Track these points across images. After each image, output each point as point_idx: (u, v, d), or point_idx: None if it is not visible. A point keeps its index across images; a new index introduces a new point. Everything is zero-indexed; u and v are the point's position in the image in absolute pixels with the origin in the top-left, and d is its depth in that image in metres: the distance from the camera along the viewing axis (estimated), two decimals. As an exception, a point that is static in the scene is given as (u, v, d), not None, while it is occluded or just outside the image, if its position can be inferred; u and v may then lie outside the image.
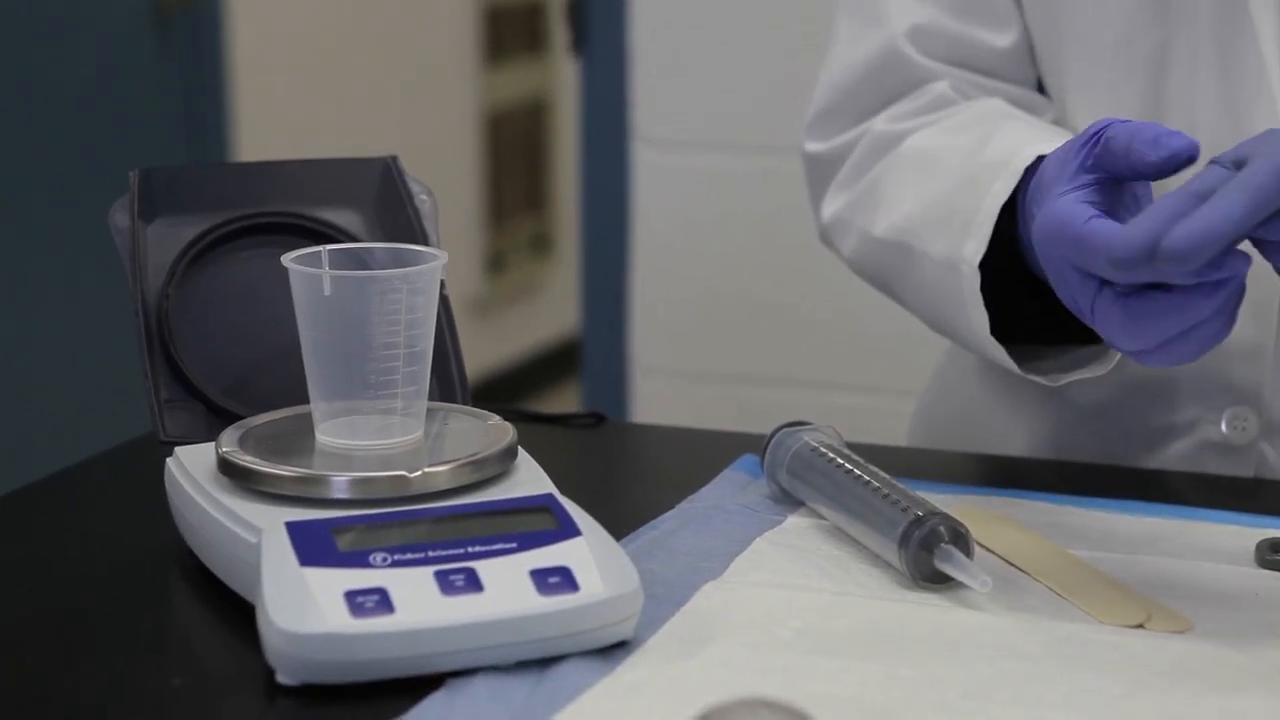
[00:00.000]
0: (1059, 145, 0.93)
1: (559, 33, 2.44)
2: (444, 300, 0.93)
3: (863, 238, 1.08)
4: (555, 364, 3.95)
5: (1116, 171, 0.81)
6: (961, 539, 0.85)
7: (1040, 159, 0.91)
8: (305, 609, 0.74)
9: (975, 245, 0.94)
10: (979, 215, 0.95)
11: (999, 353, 0.96)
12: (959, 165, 1.00)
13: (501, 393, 3.73)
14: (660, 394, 2.27)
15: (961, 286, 0.96)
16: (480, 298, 3.85)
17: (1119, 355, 0.97)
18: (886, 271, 1.07)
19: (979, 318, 0.95)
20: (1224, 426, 1.05)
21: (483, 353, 3.79)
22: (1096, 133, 0.83)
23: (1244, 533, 0.91)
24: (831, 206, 1.11)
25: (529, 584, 0.77)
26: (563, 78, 3.81)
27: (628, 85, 2.20)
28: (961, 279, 0.95)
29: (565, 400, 3.74)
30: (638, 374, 2.28)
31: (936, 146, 1.04)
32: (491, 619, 0.76)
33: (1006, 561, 0.88)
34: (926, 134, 1.06)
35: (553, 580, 0.77)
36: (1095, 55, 1.05)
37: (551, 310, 4.00)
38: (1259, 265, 0.80)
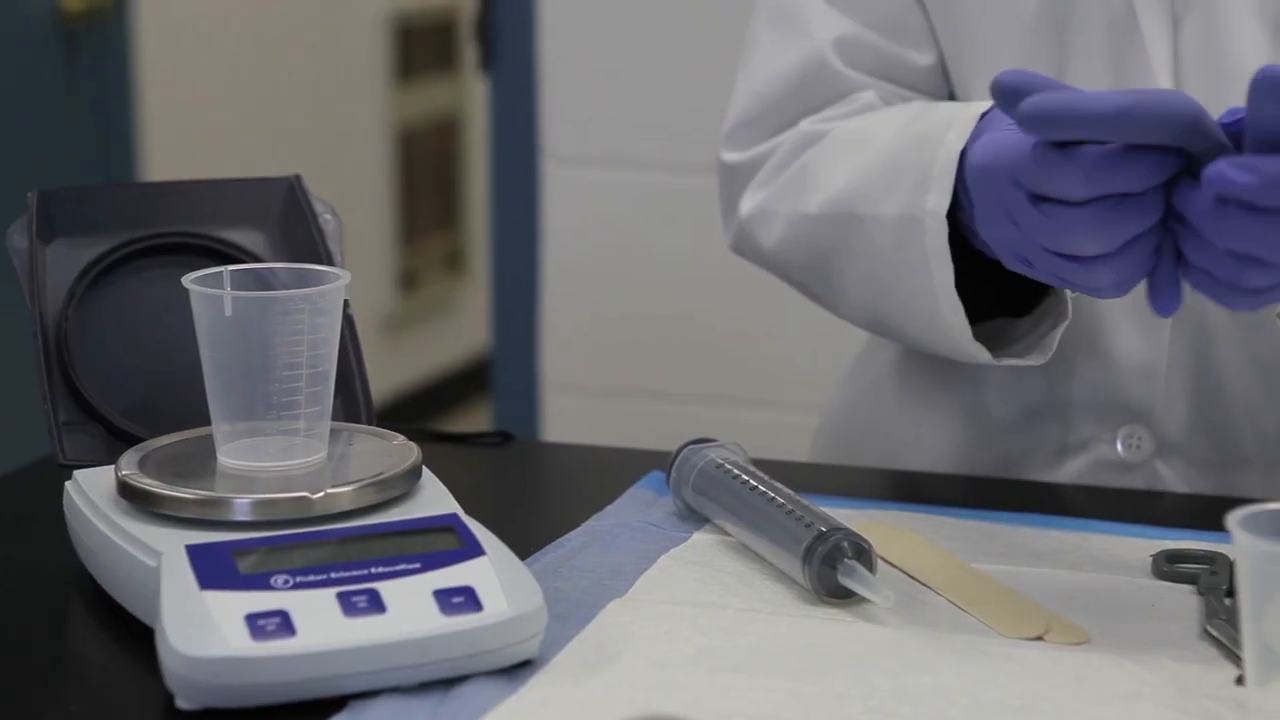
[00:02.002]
0: None
1: (470, 50, 2.44)
2: (348, 320, 0.93)
3: (794, 220, 1.07)
4: (468, 382, 3.95)
5: None
6: (864, 554, 0.86)
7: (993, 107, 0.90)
8: (205, 632, 0.74)
9: (938, 197, 0.94)
10: (936, 167, 0.94)
11: (956, 314, 0.96)
12: (899, 133, 0.99)
13: (415, 411, 3.71)
14: (571, 411, 2.27)
15: (924, 242, 0.95)
16: (393, 316, 3.83)
17: (1056, 342, 0.98)
18: (824, 248, 1.05)
19: (942, 273, 0.95)
20: (1119, 445, 1.07)
21: (395, 371, 3.78)
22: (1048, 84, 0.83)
23: (1141, 545, 0.93)
24: (751, 202, 1.11)
25: (432, 604, 0.77)
26: (474, 95, 3.81)
27: (537, 103, 2.20)
28: (925, 233, 0.95)
29: (478, 418, 3.73)
30: (548, 391, 2.28)
31: (866, 125, 1.04)
32: (394, 640, 0.75)
33: (909, 576, 0.89)
34: (856, 120, 1.06)
35: (456, 600, 0.77)
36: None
37: (464, 328, 3.99)
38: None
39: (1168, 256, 0.80)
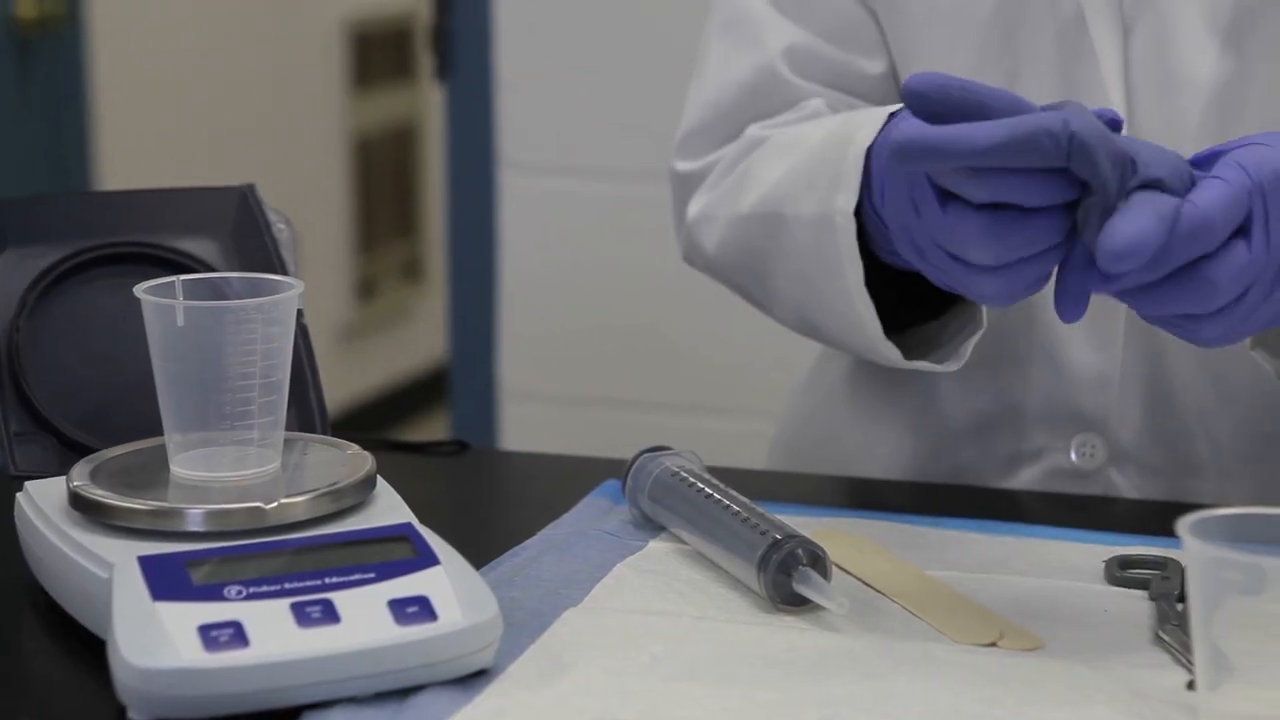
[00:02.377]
0: None
1: (426, 58, 2.44)
2: (302, 329, 0.93)
3: (730, 221, 1.07)
4: (427, 391, 3.94)
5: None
6: (819, 561, 0.86)
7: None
8: (157, 644, 0.73)
9: (846, 195, 0.94)
10: (845, 165, 0.94)
11: (868, 313, 0.96)
12: (824, 135, 1.00)
13: (373, 420, 3.70)
14: (529, 420, 2.27)
15: (836, 240, 0.96)
16: (351, 325, 3.82)
17: (968, 352, 0.98)
18: (755, 249, 1.06)
19: (854, 270, 0.95)
20: (1073, 454, 1.07)
21: (354, 380, 3.76)
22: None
23: (1094, 550, 0.93)
24: (696, 206, 1.11)
25: (387, 614, 0.77)
26: (431, 103, 3.81)
27: (493, 111, 2.20)
28: (836, 232, 0.95)
29: (437, 427, 3.73)
30: (506, 400, 2.28)
31: (803, 130, 1.04)
32: (348, 650, 0.75)
33: (863, 583, 0.90)
34: (797, 126, 1.07)
35: (411, 610, 0.77)
36: None
37: (423, 337, 3.98)
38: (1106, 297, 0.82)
39: (1075, 271, 0.80)
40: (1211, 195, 0.78)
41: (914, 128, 0.77)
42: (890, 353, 0.98)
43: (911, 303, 1.01)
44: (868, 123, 0.94)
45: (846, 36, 1.10)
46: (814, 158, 0.99)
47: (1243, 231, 0.79)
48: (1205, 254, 0.79)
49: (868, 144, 0.93)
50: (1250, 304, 0.81)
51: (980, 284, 0.81)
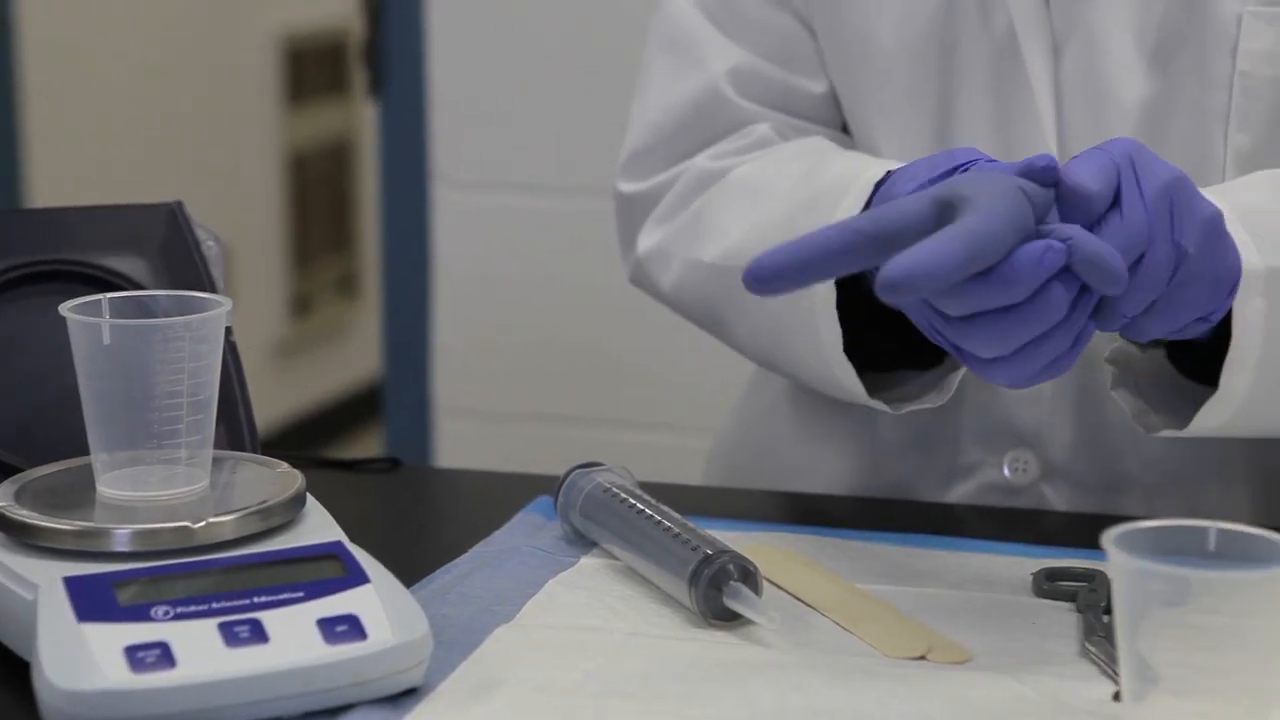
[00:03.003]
0: (905, 164, 0.93)
1: (360, 74, 2.43)
2: (231, 347, 0.92)
3: (689, 266, 1.07)
4: (363, 407, 3.92)
5: None
6: (750, 576, 0.86)
7: (888, 174, 0.91)
8: (83, 665, 0.73)
9: None
10: None
11: (846, 373, 0.96)
12: (793, 189, 1.00)
13: (309, 437, 3.68)
14: (464, 436, 2.26)
15: (813, 305, 0.96)
16: (285, 341, 3.80)
17: (957, 383, 0.99)
18: (715, 299, 1.06)
19: (831, 336, 0.95)
20: (1006, 469, 1.08)
21: (289, 397, 3.74)
22: (959, 165, 0.84)
23: (1022, 563, 0.94)
24: (648, 240, 1.11)
25: (316, 633, 0.77)
26: (366, 118, 3.80)
27: (427, 127, 2.20)
28: (813, 296, 0.95)
29: (372, 444, 3.71)
30: (441, 416, 2.27)
31: (766, 175, 1.05)
32: (277, 670, 0.75)
33: (794, 597, 0.90)
34: (752, 166, 1.07)
35: (340, 629, 0.77)
36: (886, 110, 1.07)
37: (358, 353, 3.96)
38: None
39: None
40: (1078, 165, 0.80)
41: (893, 266, 0.75)
42: (877, 405, 0.98)
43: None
44: (852, 189, 0.94)
45: (788, 56, 1.11)
46: (788, 218, 0.99)
47: (1115, 204, 0.81)
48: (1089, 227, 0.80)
49: (855, 213, 0.91)
50: (1152, 274, 0.81)
51: (995, 374, 0.82)
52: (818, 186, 0.98)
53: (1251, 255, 0.88)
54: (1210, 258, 0.84)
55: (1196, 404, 0.92)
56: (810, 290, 0.95)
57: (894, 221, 0.77)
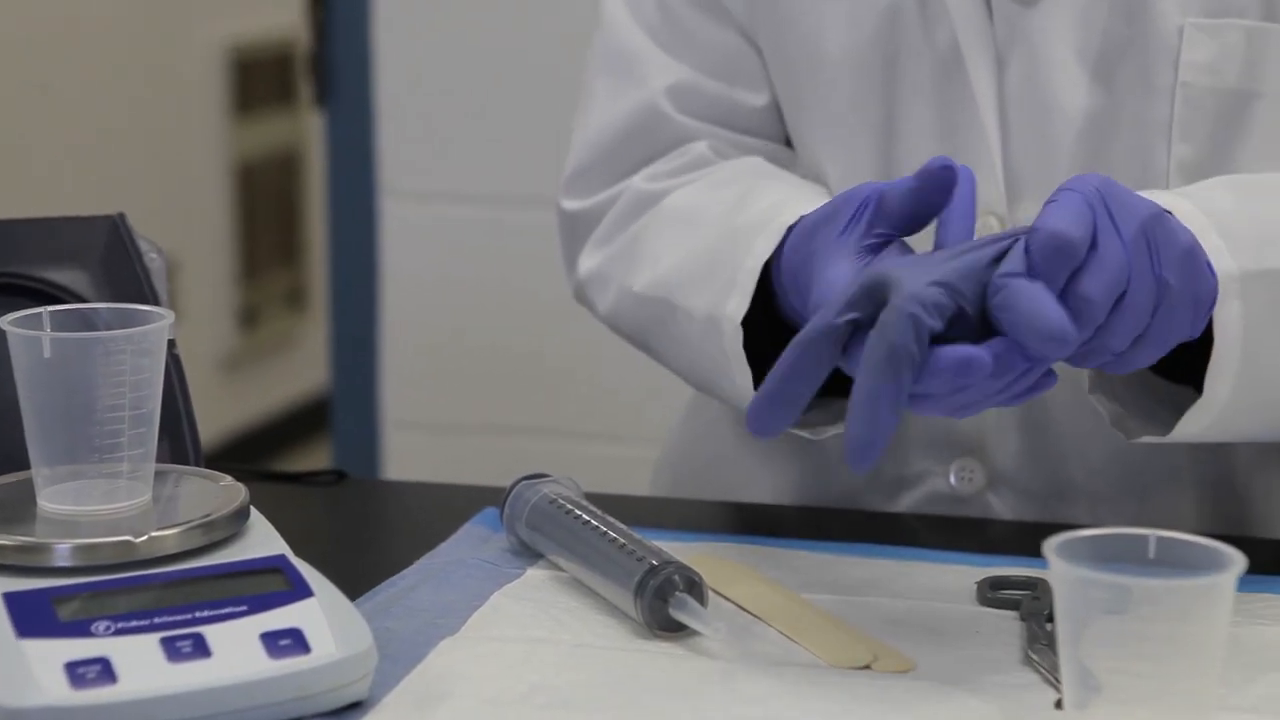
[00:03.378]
0: (819, 205, 0.94)
1: (306, 85, 2.43)
2: (174, 359, 0.92)
3: (622, 293, 1.08)
4: (311, 420, 3.90)
5: (892, 224, 0.85)
6: (696, 587, 0.86)
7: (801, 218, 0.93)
8: (22, 682, 0.72)
9: (737, 303, 0.96)
10: (741, 274, 0.96)
11: None
12: (719, 221, 1.01)
13: (258, 450, 3.66)
14: (412, 448, 2.26)
15: (724, 343, 0.97)
16: (233, 353, 3.78)
17: None
18: (646, 327, 1.07)
19: (742, 375, 0.96)
20: (952, 478, 1.09)
21: (237, 410, 3.72)
22: (862, 203, 0.86)
23: (966, 572, 0.94)
24: (589, 262, 1.12)
25: (259, 647, 0.76)
26: (314, 129, 3.78)
27: (374, 138, 2.19)
28: (724, 336, 0.97)
29: (321, 457, 3.70)
30: (390, 428, 2.27)
31: (697, 203, 1.05)
32: (219, 684, 0.74)
33: (740, 607, 0.90)
34: (686, 191, 1.07)
35: (283, 643, 0.77)
36: (831, 121, 1.08)
37: (307, 365, 3.94)
38: None
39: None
40: (1054, 212, 0.81)
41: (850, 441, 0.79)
42: (796, 433, 0.99)
43: None
44: (768, 229, 0.95)
45: (729, 70, 1.11)
46: (709, 250, 1.00)
47: (1093, 244, 0.81)
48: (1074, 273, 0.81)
49: (765, 257, 0.94)
50: (1136, 309, 0.82)
51: (923, 408, 0.83)
52: (738, 223, 0.99)
53: (1225, 260, 0.88)
54: (1191, 285, 0.85)
55: (1175, 407, 0.92)
56: (720, 331, 0.96)
57: (837, 325, 0.81)
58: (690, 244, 1.03)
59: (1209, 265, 0.87)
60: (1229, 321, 0.88)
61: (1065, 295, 0.80)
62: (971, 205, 0.87)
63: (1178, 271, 0.84)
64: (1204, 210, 0.90)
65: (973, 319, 0.80)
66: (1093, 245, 0.81)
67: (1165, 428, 0.93)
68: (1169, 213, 0.85)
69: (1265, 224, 0.92)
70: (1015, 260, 0.80)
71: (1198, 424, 0.91)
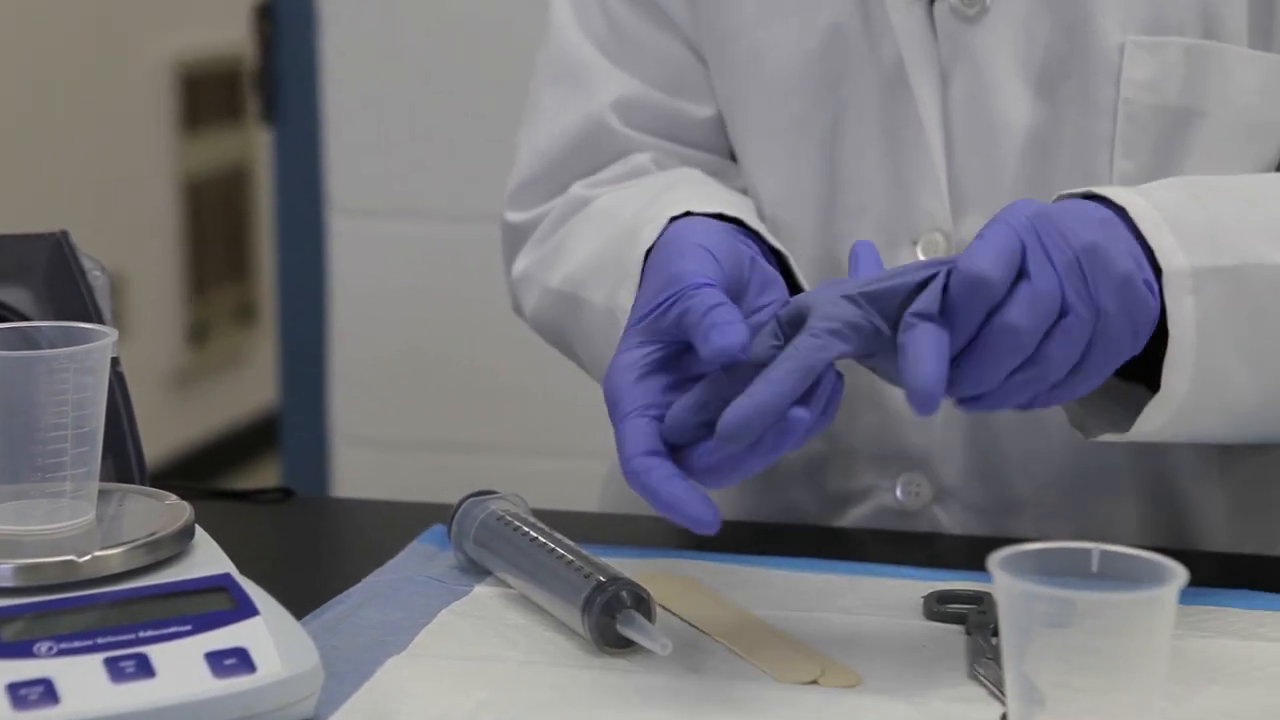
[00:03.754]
0: (712, 210, 0.96)
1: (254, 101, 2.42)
2: (118, 377, 0.91)
3: (542, 291, 1.09)
4: (261, 437, 3.89)
5: (683, 339, 0.86)
6: (643, 603, 0.86)
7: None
8: (-37, 704, 0.72)
9: (626, 294, 0.96)
10: (630, 264, 0.96)
11: None
12: (625, 219, 1.02)
13: (207, 467, 3.64)
14: (362, 465, 2.25)
15: (618, 334, 0.97)
16: (182, 370, 3.76)
17: None
18: (560, 323, 1.08)
19: None
20: (899, 492, 1.09)
21: (186, 427, 3.70)
22: (674, 295, 0.86)
23: (914, 586, 0.95)
24: (520, 265, 1.13)
25: (204, 667, 0.76)
26: (262, 145, 3.77)
27: (322, 154, 2.19)
28: (618, 327, 0.96)
29: (271, 474, 3.68)
30: (339, 444, 2.26)
31: (615, 204, 1.06)
32: (164, 704, 0.74)
33: (688, 623, 0.90)
34: (611, 195, 1.08)
35: (229, 662, 0.76)
36: (773, 133, 1.08)
37: (256, 382, 3.93)
38: None
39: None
40: (977, 249, 0.82)
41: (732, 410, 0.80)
42: None
43: None
44: (652, 221, 0.96)
45: (675, 83, 1.11)
46: (609, 243, 1.02)
47: (1024, 274, 0.82)
48: (997, 305, 0.82)
49: (648, 246, 0.95)
50: (1072, 337, 0.83)
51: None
52: (640, 219, 1.00)
53: (1178, 256, 0.89)
54: (1129, 313, 0.86)
55: (1133, 407, 0.93)
56: (616, 322, 0.97)
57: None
58: (597, 241, 1.04)
59: (1149, 284, 0.88)
60: (1183, 316, 0.89)
61: (990, 325, 0.82)
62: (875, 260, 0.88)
63: (1115, 300, 0.85)
64: (1157, 206, 0.90)
65: (891, 341, 0.82)
66: (1025, 275, 0.83)
67: (1124, 428, 0.93)
68: (1104, 245, 0.85)
69: (1218, 222, 0.92)
70: (929, 298, 0.82)
71: (1156, 420, 0.92)
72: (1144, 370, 0.92)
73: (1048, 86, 1.03)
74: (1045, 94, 1.03)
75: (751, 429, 0.80)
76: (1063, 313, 0.83)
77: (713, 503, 0.81)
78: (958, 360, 0.82)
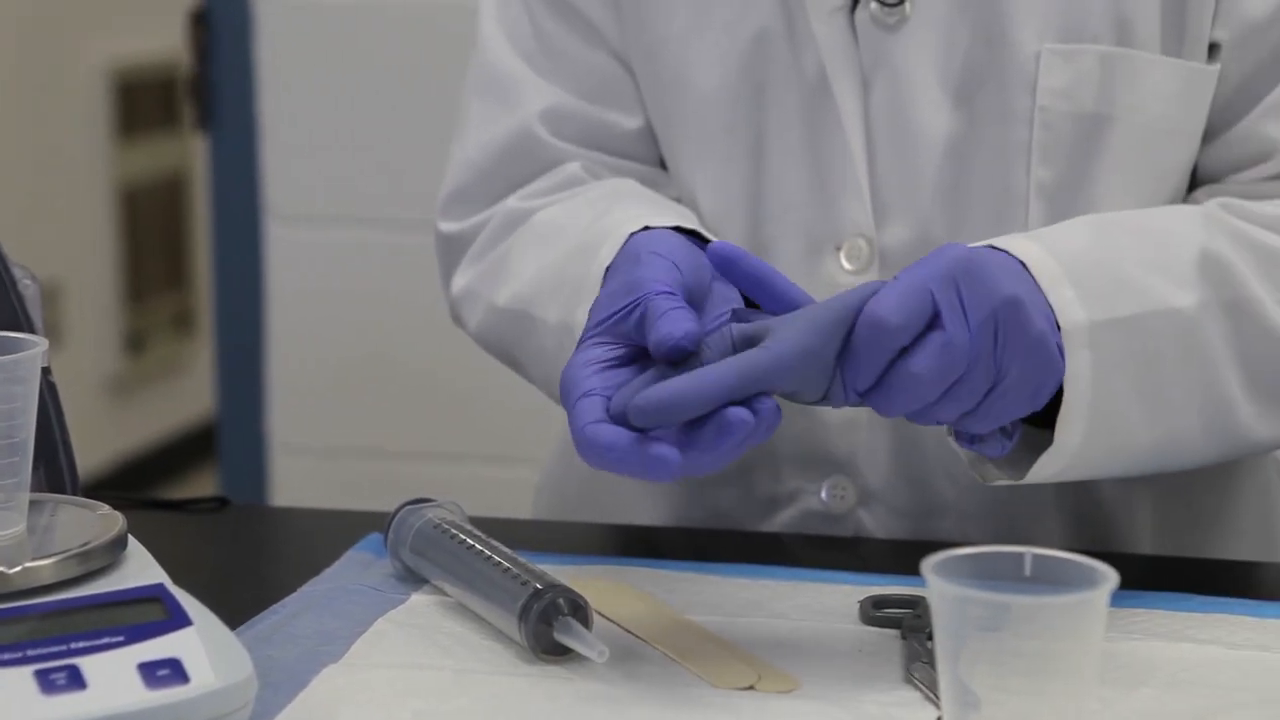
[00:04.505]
0: (668, 223, 0.96)
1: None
2: (49, 387, 0.91)
3: (488, 309, 1.09)
4: (199, 445, 3.86)
5: (642, 343, 0.86)
6: (580, 610, 0.86)
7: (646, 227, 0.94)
8: (-110, 718, 0.71)
9: (585, 310, 0.96)
10: (588, 280, 0.97)
11: None
12: (574, 236, 1.02)
13: (145, 477, 3.61)
14: (300, 473, 2.24)
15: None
16: (119, 379, 3.73)
17: None
18: (509, 341, 1.08)
19: None
20: (824, 495, 1.10)
21: (123, 436, 3.67)
22: (634, 301, 0.86)
23: (849, 591, 0.95)
24: (461, 280, 1.12)
25: (136, 678, 0.75)
26: (200, 152, 3.74)
27: (258, 161, 2.18)
28: (575, 343, 0.97)
29: (209, 483, 3.65)
30: (277, 452, 2.25)
31: (558, 220, 1.06)
32: (96, 716, 0.73)
33: (625, 630, 0.90)
34: (554, 209, 1.08)
35: (161, 673, 0.76)
36: (702, 145, 1.09)
37: (195, 390, 3.90)
38: None
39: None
40: (883, 293, 0.84)
41: (652, 391, 0.81)
42: None
43: None
44: (611, 237, 0.96)
45: (603, 94, 1.12)
46: (562, 261, 1.02)
47: (938, 325, 0.84)
48: (903, 350, 0.84)
49: (607, 263, 0.95)
50: (968, 392, 0.85)
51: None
52: (589, 235, 1.00)
53: (1076, 310, 0.90)
54: (1034, 374, 0.87)
55: (1032, 447, 0.94)
56: (572, 338, 0.97)
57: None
58: (547, 257, 1.04)
59: (1059, 347, 0.89)
60: (1078, 372, 0.90)
61: (894, 369, 0.84)
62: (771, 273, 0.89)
63: (1022, 361, 0.86)
64: (1057, 258, 0.92)
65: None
66: (938, 326, 0.84)
67: (1022, 470, 0.94)
68: (1025, 301, 0.86)
69: (1120, 268, 0.94)
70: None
71: (1050, 468, 0.93)
72: (1044, 412, 0.93)
73: (966, 95, 1.04)
74: (964, 102, 1.04)
75: (663, 412, 0.80)
76: (966, 368, 0.84)
77: (671, 445, 0.81)
78: (866, 395, 0.85)
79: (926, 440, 1.07)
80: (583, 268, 0.98)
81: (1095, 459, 0.94)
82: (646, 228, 0.96)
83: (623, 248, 0.95)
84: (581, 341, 0.88)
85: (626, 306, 0.86)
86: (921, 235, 1.04)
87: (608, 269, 0.95)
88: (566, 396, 0.85)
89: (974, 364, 0.84)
